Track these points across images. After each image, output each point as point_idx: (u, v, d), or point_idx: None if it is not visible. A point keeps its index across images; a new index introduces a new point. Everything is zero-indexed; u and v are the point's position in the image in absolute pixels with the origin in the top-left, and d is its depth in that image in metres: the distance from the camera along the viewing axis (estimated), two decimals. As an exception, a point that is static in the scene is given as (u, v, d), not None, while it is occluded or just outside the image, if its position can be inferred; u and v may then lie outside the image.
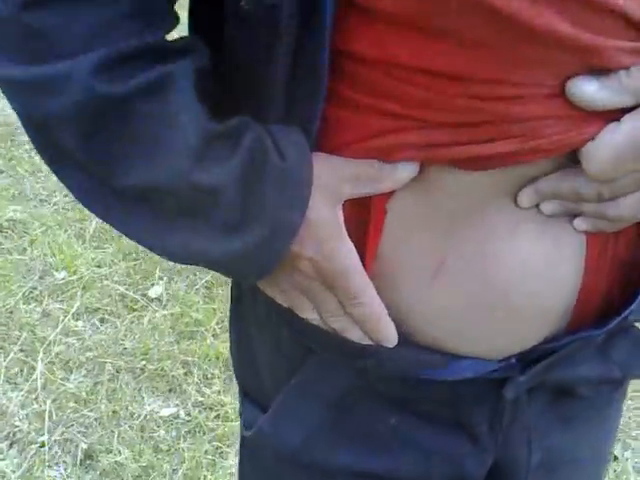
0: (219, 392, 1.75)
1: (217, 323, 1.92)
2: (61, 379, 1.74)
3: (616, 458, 1.64)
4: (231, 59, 0.49)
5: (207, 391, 1.75)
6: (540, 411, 0.60)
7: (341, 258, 0.48)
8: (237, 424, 1.65)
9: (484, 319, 0.50)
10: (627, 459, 1.65)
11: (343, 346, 0.54)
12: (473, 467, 0.61)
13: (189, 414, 1.70)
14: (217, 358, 1.82)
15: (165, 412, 1.70)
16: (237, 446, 0.68)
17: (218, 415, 1.70)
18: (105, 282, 2.00)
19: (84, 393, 1.72)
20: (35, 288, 1.98)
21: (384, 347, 0.52)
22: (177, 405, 1.72)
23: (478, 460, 0.61)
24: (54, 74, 0.43)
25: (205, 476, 1.55)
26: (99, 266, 2.05)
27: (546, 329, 0.53)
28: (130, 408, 1.70)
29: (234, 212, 0.46)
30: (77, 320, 1.90)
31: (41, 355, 1.79)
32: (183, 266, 2.06)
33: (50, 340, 1.83)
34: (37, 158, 2.31)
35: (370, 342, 0.53)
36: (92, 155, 0.46)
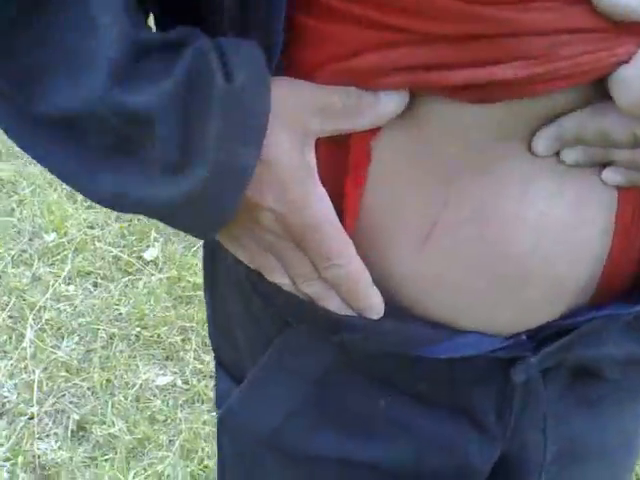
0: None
1: (216, 286, 1.82)
2: (52, 347, 1.65)
3: None
4: None
5: (206, 358, 1.66)
6: (558, 395, 0.53)
7: (311, 209, 0.41)
8: (238, 393, 1.57)
9: (488, 288, 0.43)
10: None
11: (320, 317, 0.46)
12: (478, 457, 0.54)
13: (187, 382, 1.61)
14: (216, 323, 1.72)
15: (161, 381, 1.61)
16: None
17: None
18: (98, 244, 1.90)
19: (76, 361, 1.63)
20: (24, 251, 1.88)
21: (368, 319, 0.45)
22: (174, 373, 1.63)
23: (484, 450, 0.54)
24: None
25: (203, 448, 1.47)
26: (91, 227, 1.95)
27: (564, 303, 0.46)
28: (124, 377, 1.61)
29: (171, 147, 0.39)
30: (68, 284, 1.80)
31: (30, 321, 1.70)
32: (180, 227, 1.96)
33: (40, 306, 1.73)
34: (25, 114, 2.19)
35: (351, 313, 0.46)
36: (7, 75, 0.39)
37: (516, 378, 0.49)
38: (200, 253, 1.90)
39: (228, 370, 0.59)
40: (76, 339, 1.68)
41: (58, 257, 1.86)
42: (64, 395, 1.57)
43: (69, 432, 1.50)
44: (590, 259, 0.44)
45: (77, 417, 1.53)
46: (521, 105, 0.38)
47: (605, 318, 0.46)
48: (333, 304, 0.45)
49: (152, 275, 1.83)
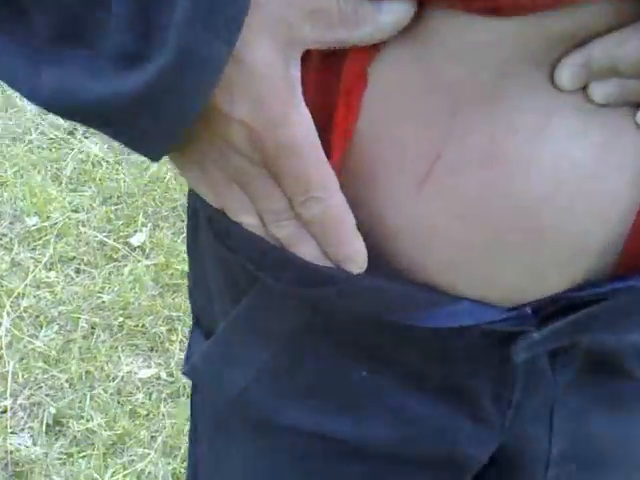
0: (206, 351, 1.56)
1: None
2: (29, 336, 1.56)
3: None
4: None
5: (193, 350, 1.56)
6: (571, 385, 0.47)
7: (290, 128, 0.35)
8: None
9: (493, 242, 0.38)
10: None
11: (290, 267, 0.40)
12: (470, 445, 0.48)
13: (171, 375, 1.52)
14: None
15: (144, 373, 1.51)
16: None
17: (204, 377, 1.51)
18: (82, 229, 1.80)
19: (54, 352, 1.53)
20: (4, 235, 1.78)
21: (347, 273, 0.39)
22: (158, 365, 1.54)
23: (478, 438, 0.48)
24: None
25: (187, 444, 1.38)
26: (76, 211, 1.85)
27: (580, 268, 0.40)
28: (105, 369, 1.51)
29: (128, 31, 0.33)
30: (49, 270, 1.70)
31: (7, 309, 1.60)
32: (169, 211, 1.86)
33: (18, 292, 1.64)
34: (10, 92, 2.09)
35: (328, 264, 0.39)
36: None
37: (516, 357, 0.43)
38: (190, 239, 1.81)
39: (201, 326, 0.55)
40: (55, 328, 1.59)
41: (39, 242, 1.76)
42: (40, 387, 1.47)
43: (44, 427, 1.41)
44: (615, 214, 0.38)
45: (53, 411, 1.43)
46: (542, 22, 0.32)
47: (629, 293, 0.40)
48: (307, 250, 0.39)
49: (138, 262, 1.74)
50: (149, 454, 1.38)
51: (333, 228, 0.38)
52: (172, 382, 1.50)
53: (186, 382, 1.49)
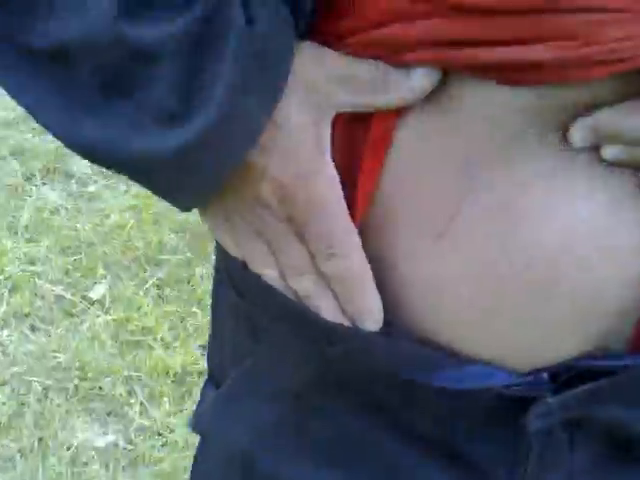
0: (168, 414, 1.48)
1: (169, 329, 1.64)
2: (-22, 401, 1.47)
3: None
4: None
5: (154, 414, 1.48)
6: (589, 471, 0.45)
7: (318, 186, 0.38)
8: (189, 454, 1.39)
9: (509, 298, 0.39)
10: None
11: (304, 322, 0.42)
12: None
13: (130, 442, 1.43)
14: (166, 373, 1.54)
15: (101, 441, 1.43)
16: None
17: (166, 442, 1.43)
18: (38, 282, 1.72)
19: (5, 417, 1.44)
20: (-46, 290, 1.69)
21: (359, 330, 0.41)
22: (117, 432, 1.45)
23: None
24: None
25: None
26: (32, 263, 1.76)
27: (597, 330, 0.40)
28: (59, 436, 1.42)
29: (171, 90, 0.36)
30: (2, 329, 1.61)
31: (-45, 371, 1.51)
32: (130, 262, 1.78)
33: (-32, 353, 1.55)
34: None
35: (342, 320, 0.41)
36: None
37: (530, 424, 0.41)
38: (152, 292, 1.73)
39: (213, 379, 0.54)
40: (7, 392, 1.49)
41: (-8, 297, 1.68)
42: (-11, 458, 1.38)
43: (-8, 502, 1.32)
44: (629, 272, 0.39)
45: (3, 484, 1.34)
46: (555, 92, 0.36)
47: None
48: (324, 305, 0.41)
49: (98, 317, 1.65)
50: (105, 531, 1.29)
51: (354, 284, 0.40)
52: (131, 450, 1.42)
53: (145, 449, 1.41)
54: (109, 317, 1.65)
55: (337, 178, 0.39)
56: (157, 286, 1.75)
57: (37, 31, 0.37)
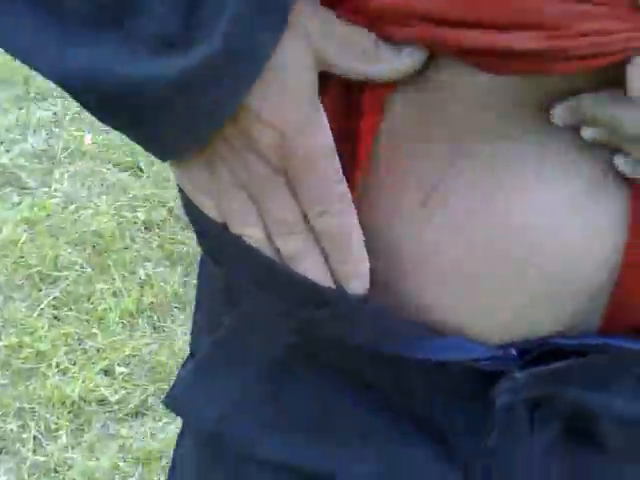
0: (65, 448, 1.37)
1: (66, 354, 1.53)
2: None
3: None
4: None
5: (49, 448, 1.37)
6: (550, 444, 0.46)
7: (315, 136, 0.38)
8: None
9: (480, 273, 0.40)
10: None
11: (287, 285, 0.41)
12: None
13: (24, 482, 1.32)
14: (63, 403, 1.43)
15: (-10, 483, 1.31)
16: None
17: (63, 480, 1.33)
18: None
19: None
20: None
21: (345, 293, 0.41)
22: (8, 471, 1.34)
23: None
24: None
25: None
26: None
27: (570, 310, 0.41)
28: (-58, 481, 1.30)
29: (173, 15, 0.35)
30: None
31: None
32: (23, 280, 1.65)
33: None
34: None
35: (328, 281, 0.40)
36: None
37: (498, 400, 0.43)
38: (47, 313, 1.60)
39: (193, 353, 0.54)
40: None
41: None
42: None
43: None
44: (602, 253, 0.41)
45: None
46: (538, 82, 0.38)
47: (615, 351, 0.42)
48: (310, 265, 0.40)
49: (-14, 343, 1.52)
50: None
51: (345, 243, 0.40)
52: (24, 491, 1.31)
53: (41, 489, 1.30)
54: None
55: (330, 133, 0.38)
56: (53, 306, 1.63)
57: None
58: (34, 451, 1.36)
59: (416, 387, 0.45)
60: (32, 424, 1.40)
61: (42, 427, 1.40)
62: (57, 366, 1.49)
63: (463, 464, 0.47)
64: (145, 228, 1.85)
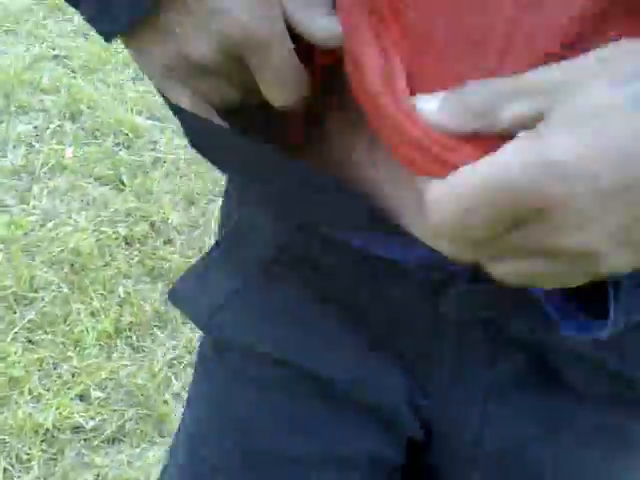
0: (37, 479, 1.31)
1: (40, 379, 1.46)
2: None
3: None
4: None
5: (21, 480, 1.30)
6: (509, 387, 0.47)
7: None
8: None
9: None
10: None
11: (241, 149, 0.41)
12: (396, 395, 0.49)
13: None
14: (36, 432, 1.37)
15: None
16: None
17: (36, 514, 1.26)
18: None
19: None
20: None
21: (305, 164, 0.41)
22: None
23: (407, 392, 0.49)
24: None
25: None
26: None
27: None
28: None
29: None
30: None
31: None
32: (-3, 304, 1.59)
33: None
34: None
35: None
36: None
37: (443, 307, 0.44)
38: (21, 337, 1.54)
39: None
40: None
41: None
42: None
43: None
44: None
45: None
46: None
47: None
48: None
49: (-44, 371, 1.46)
50: None
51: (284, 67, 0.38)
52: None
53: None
54: (-30, 370, 1.47)
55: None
56: (28, 329, 1.56)
57: None
58: (5, 486, 1.30)
59: (373, 295, 0.47)
60: (2, 456, 1.33)
61: (13, 458, 1.34)
62: (30, 392, 1.43)
63: (415, 373, 0.49)
64: (126, 243, 1.79)
